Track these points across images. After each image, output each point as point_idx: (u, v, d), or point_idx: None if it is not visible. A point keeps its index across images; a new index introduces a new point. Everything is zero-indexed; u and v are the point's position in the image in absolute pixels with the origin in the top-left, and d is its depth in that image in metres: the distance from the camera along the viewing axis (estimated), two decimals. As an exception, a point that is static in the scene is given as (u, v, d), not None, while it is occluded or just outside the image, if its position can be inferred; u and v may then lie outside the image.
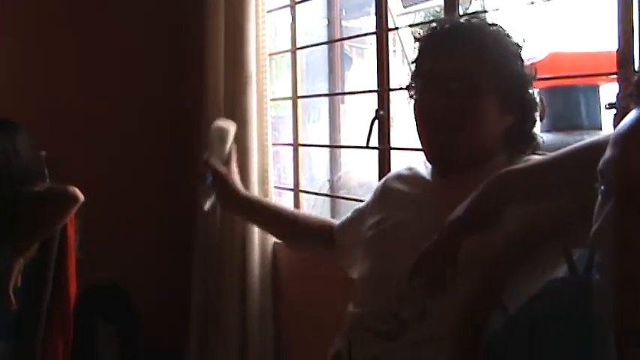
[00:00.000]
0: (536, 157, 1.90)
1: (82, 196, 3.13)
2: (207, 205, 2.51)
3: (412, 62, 2.07)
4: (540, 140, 2.03)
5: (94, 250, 3.51)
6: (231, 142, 2.56)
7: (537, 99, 2.00)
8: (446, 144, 1.96)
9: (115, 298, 4.27)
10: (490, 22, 2.05)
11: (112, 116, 4.46)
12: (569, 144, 1.67)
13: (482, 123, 1.94)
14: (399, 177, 2.18)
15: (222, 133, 2.55)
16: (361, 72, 4.78)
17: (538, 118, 2.02)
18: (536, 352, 1.31)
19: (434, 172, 2.07)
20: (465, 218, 1.67)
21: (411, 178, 2.14)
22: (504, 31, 1.98)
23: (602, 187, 1.11)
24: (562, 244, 1.65)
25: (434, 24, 2.08)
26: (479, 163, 1.94)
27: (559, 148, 1.71)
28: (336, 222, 2.46)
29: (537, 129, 2.05)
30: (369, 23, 3.46)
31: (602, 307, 1.10)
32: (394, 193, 2.14)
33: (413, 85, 2.05)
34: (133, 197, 4.47)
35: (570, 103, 3.71)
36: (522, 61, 1.97)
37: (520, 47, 1.97)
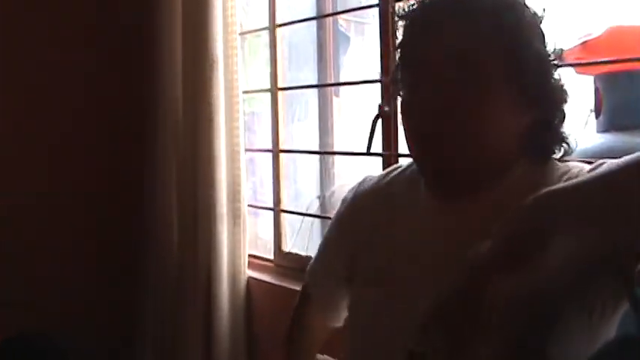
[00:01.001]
0: (577, 165, 1.80)
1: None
2: None
3: (397, 49, 1.94)
4: (573, 143, 1.88)
5: (13, 292, 3.43)
6: None
7: (566, 88, 1.84)
8: (447, 156, 1.80)
9: (43, 347, 4.16)
10: None
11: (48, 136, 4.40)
12: (636, 147, 1.57)
13: (494, 121, 1.79)
14: (379, 188, 2.07)
15: None
16: (361, 55, 4.65)
17: (566, 112, 1.86)
18: None
19: (429, 190, 1.93)
20: (494, 255, 1.56)
21: (399, 190, 2.02)
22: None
23: None
24: (622, 280, 1.57)
25: None
26: (491, 178, 1.83)
27: (620, 153, 1.58)
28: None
29: (567, 127, 1.89)
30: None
31: None
32: (380, 209, 2.02)
33: (400, 77, 1.91)
34: (58, 217, 4.41)
35: (636, 93, 3.60)
36: (544, 38, 1.82)
37: (541, 19, 1.83)
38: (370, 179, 2.11)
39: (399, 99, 1.89)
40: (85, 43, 4.48)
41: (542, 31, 1.81)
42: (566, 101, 1.83)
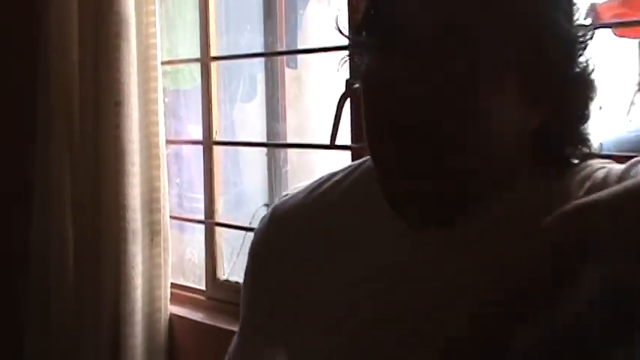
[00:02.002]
0: (602, 165, 1.67)
1: None
2: None
3: (363, 14, 1.68)
4: (597, 145, 1.74)
5: None
6: None
7: (592, 73, 1.66)
8: (422, 165, 1.59)
9: None
10: None
11: None
12: None
13: (493, 123, 1.61)
14: (304, 220, 1.87)
15: None
16: (326, 14, 4.49)
17: (591, 110, 1.69)
18: None
19: (398, 214, 1.70)
20: (515, 294, 1.46)
21: (335, 219, 1.83)
22: None
23: None
24: None
25: None
26: (490, 196, 1.65)
27: None
28: None
29: (591, 126, 1.74)
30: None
31: None
32: (314, 258, 1.83)
33: (363, 45, 1.68)
34: None
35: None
36: (571, 8, 1.64)
37: None
38: (291, 202, 1.90)
39: (361, 75, 1.62)
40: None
41: (570, 2, 1.64)
42: (591, 97, 1.66)
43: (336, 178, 1.83)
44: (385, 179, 1.65)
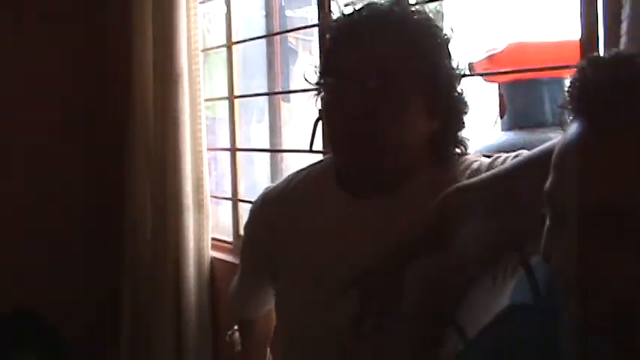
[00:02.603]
0: (476, 159, 1.83)
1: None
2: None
3: (324, 54, 1.91)
4: (467, 143, 1.90)
5: (7, 273, 3.44)
6: None
7: (467, 100, 1.86)
8: (368, 156, 1.79)
9: (34, 324, 4.20)
10: (414, 9, 1.87)
11: (29, 125, 4.40)
12: (532, 143, 1.64)
13: (406, 130, 1.79)
14: (284, 199, 2.02)
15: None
16: (307, 66, 4.73)
17: (465, 121, 1.88)
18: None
19: (341, 188, 1.91)
20: (414, 240, 1.61)
21: (304, 196, 1.98)
22: (430, 19, 1.85)
23: (551, 212, 1.12)
24: (520, 256, 1.58)
25: (349, 11, 1.89)
26: (404, 177, 1.83)
27: (521, 147, 1.69)
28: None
29: (466, 132, 1.91)
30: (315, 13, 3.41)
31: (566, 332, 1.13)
32: (290, 223, 1.97)
33: (322, 82, 1.89)
34: (51, 210, 4.42)
35: (533, 98, 3.67)
36: (451, 55, 1.85)
37: (448, 40, 1.84)
38: (272, 189, 2.07)
39: (322, 101, 1.87)
40: (66, 56, 4.49)
41: (449, 51, 1.82)
42: (466, 112, 1.85)
43: (304, 171, 2.01)
44: (340, 166, 1.87)
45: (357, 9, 1.86)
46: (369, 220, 1.73)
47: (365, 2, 1.86)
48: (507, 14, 3.67)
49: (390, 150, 1.79)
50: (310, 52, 4.64)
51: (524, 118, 3.54)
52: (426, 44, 1.79)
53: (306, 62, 4.57)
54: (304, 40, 4.78)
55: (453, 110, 1.85)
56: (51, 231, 4.38)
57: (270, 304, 2.25)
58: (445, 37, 1.83)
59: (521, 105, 3.56)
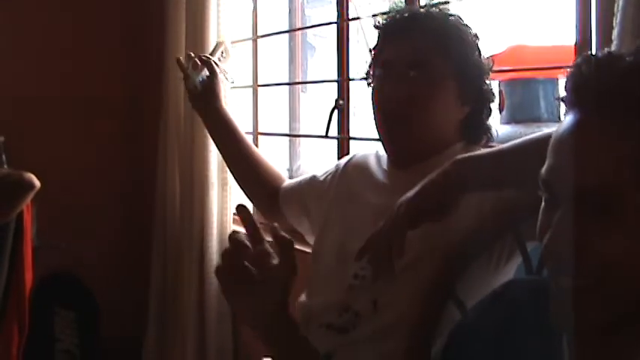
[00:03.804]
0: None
1: (38, 183, 3.08)
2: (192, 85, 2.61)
3: (371, 50, 2.06)
4: (495, 132, 2.02)
5: (50, 238, 3.46)
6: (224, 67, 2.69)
7: (494, 90, 2.00)
8: (404, 134, 1.95)
9: (73, 286, 4.25)
10: (449, 13, 2.04)
11: (71, 105, 4.42)
12: (527, 136, 1.64)
13: (440, 112, 1.94)
14: (366, 159, 2.17)
15: (227, 52, 2.76)
16: (323, 61, 4.75)
17: (495, 109, 2.02)
18: (499, 353, 1.29)
19: (390, 162, 2.06)
20: (415, 203, 1.63)
21: (377, 163, 2.13)
22: (463, 21, 1.98)
23: (546, 195, 1.13)
24: (516, 237, 1.64)
25: (393, 13, 2.08)
26: (435, 153, 1.93)
27: (517, 139, 1.68)
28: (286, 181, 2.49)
29: (494, 120, 2.06)
30: (333, 12, 3.43)
31: (558, 309, 1.13)
32: (361, 174, 2.13)
33: (371, 73, 2.04)
34: (91, 185, 4.45)
35: (529, 95, 3.73)
36: (480, 52, 1.96)
37: (478, 38, 1.97)
38: (358, 155, 2.23)
39: (371, 89, 2.01)
40: (102, 52, 4.53)
41: (479, 48, 1.95)
42: (493, 101, 1.98)
43: (374, 153, 2.18)
44: (384, 142, 2.00)
45: (399, 10, 2.07)
46: (401, 186, 1.76)
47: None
48: (508, 19, 3.70)
49: (423, 129, 1.93)
50: (327, 48, 4.68)
51: (521, 113, 3.61)
52: (457, 40, 1.93)
53: (323, 57, 4.61)
54: (321, 37, 4.83)
55: (482, 98, 1.97)
56: (91, 205, 4.42)
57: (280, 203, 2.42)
58: (475, 35, 1.96)
59: (518, 101, 3.62)
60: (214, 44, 2.79)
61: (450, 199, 1.61)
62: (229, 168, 2.83)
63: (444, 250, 1.71)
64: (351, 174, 2.17)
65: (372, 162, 2.14)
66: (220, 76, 2.66)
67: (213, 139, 2.79)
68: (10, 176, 3.16)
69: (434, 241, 1.72)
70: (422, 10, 2.10)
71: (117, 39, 4.55)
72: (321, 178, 2.29)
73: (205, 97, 2.59)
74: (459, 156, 1.66)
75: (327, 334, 1.92)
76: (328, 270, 2.02)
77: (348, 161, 2.24)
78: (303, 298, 2.08)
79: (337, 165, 2.27)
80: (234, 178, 2.81)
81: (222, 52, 2.69)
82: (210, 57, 2.68)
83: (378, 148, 2.19)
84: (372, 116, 2.02)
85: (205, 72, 2.62)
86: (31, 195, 3.12)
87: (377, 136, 2.09)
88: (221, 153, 2.82)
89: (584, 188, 1.05)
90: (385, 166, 2.08)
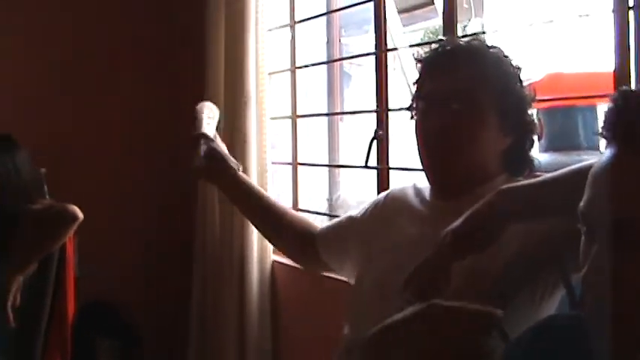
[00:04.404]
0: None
1: (81, 215, 3.12)
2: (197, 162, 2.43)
3: (413, 83, 2.07)
4: (537, 162, 2.02)
5: (90, 267, 3.48)
6: (217, 122, 2.56)
7: (536, 120, 2.00)
8: (447, 166, 1.95)
9: (114, 315, 4.26)
10: (490, 44, 2.04)
11: (111, 137, 4.49)
12: (567, 164, 1.66)
13: (482, 143, 1.94)
14: (405, 192, 2.17)
15: (212, 111, 2.55)
16: (360, 89, 4.76)
17: (536, 139, 2.02)
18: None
19: (433, 193, 2.05)
20: (461, 233, 1.65)
21: (416, 195, 2.12)
22: (504, 52, 1.99)
23: (585, 228, 1.15)
24: (560, 269, 1.64)
25: (434, 45, 2.10)
26: (478, 184, 1.92)
27: (557, 168, 1.70)
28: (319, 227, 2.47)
29: (535, 150, 2.06)
30: (369, 41, 3.43)
31: (597, 344, 1.14)
32: (401, 206, 2.12)
33: (414, 106, 2.04)
34: (131, 213, 4.48)
35: (568, 123, 3.70)
36: (522, 82, 1.97)
37: (519, 69, 1.97)
38: (395, 189, 2.24)
39: (414, 121, 2.02)
40: (148, 76, 4.57)
41: (520, 78, 1.96)
42: (535, 131, 1.98)
43: (412, 185, 2.17)
44: (427, 174, 2.00)
45: (441, 44, 2.05)
46: (444, 218, 1.77)
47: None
48: (545, 46, 3.69)
49: (466, 161, 1.92)
50: (362, 76, 4.70)
51: (560, 141, 3.57)
52: (498, 71, 1.94)
53: (359, 85, 4.62)
54: (357, 65, 4.84)
55: (524, 129, 1.97)
56: (132, 234, 4.46)
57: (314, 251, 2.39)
58: (516, 66, 1.97)
59: (557, 129, 3.59)
60: (199, 105, 2.59)
61: (495, 228, 1.62)
62: (258, 229, 2.79)
63: (487, 281, 1.71)
64: (390, 207, 2.17)
65: (411, 194, 2.14)
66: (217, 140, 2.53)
67: (236, 205, 2.72)
68: (54, 208, 3.20)
69: (477, 273, 1.71)
70: (462, 42, 2.10)
71: (156, 70, 4.59)
72: (359, 217, 2.29)
73: (214, 167, 2.49)
74: (504, 186, 1.68)
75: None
76: (371, 302, 2.00)
77: (386, 196, 2.25)
78: (346, 329, 2.07)
79: (375, 201, 2.28)
80: (266, 237, 2.81)
81: (208, 115, 2.51)
82: (199, 116, 2.51)
83: (416, 179, 2.20)
84: (416, 148, 2.04)
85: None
86: (75, 227, 3.16)
87: (417, 166, 2.10)
88: (245, 215, 2.78)
89: (620, 222, 1.07)
90: (427, 198, 2.08)
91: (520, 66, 1.99)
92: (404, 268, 1.74)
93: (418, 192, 2.13)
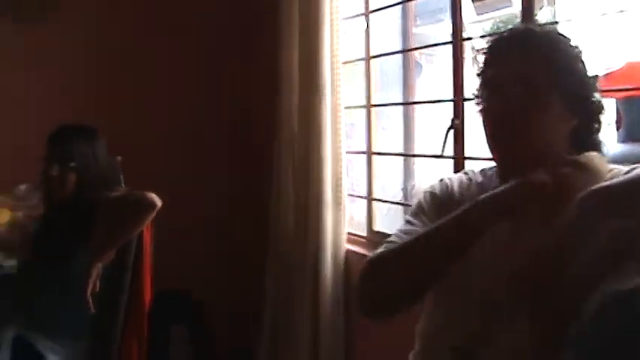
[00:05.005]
0: (616, 167, 1.82)
1: (159, 202, 3.16)
2: None
3: (478, 71, 2.06)
4: (605, 148, 1.97)
5: (165, 256, 3.52)
6: None
7: (602, 103, 1.95)
8: (514, 149, 1.92)
9: (188, 303, 4.31)
10: (550, 29, 2.03)
11: (186, 125, 4.57)
12: None
13: (548, 124, 1.90)
14: (461, 184, 2.13)
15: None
16: (431, 79, 4.74)
17: (605, 123, 1.97)
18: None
19: (500, 178, 2.01)
20: (557, 240, 1.61)
21: (479, 184, 2.09)
22: (564, 36, 1.96)
23: None
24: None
25: (495, 35, 2.07)
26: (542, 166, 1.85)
27: (636, 159, 1.71)
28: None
29: (604, 135, 2.00)
30: (440, 30, 3.40)
31: None
32: (462, 199, 2.05)
33: (480, 92, 2.03)
34: (206, 203, 4.56)
35: (648, 113, 3.64)
36: (584, 64, 1.93)
37: (580, 51, 1.94)
38: (446, 180, 2.15)
39: (480, 108, 1.99)
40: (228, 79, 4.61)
41: (583, 62, 1.91)
42: (602, 114, 1.93)
43: (467, 175, 2.14)
44: (496, 159, 1.99)
45: (502, 32, 2.03)
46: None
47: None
48: (624, 35, 3.63)
49: (533, 142, 1.89)
50: (432, 65, 4.71)
51: (638, 132, 3.50)
52: (560, 56, 1.90)
53: (429, 75, 4.59)
54: (427, 55, 4.82)
55: (590, 110, 1.93)
56: (206, 223, 4.55)
57: None
58: (577, 49, 1.93)
59: (636, 119, 3.53)
60: None
61: (585, 234, 1.55)
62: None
63: (575, 277, 1.60)
64: (460, 199, 2.07)
65: (474, 186, 2.09)
66: None
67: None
68: (132, 196, 3.25)
69: (568, 269, 1.62)
70: (521, 27, 2.09)
71: (229, 62, 4.66)
72: (417, 215, 2.14)
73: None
74: (592, 188, 1.60)
75: (450, 356, 1.88)
76: (452, 292, 1.95)
77: (445, 184, 2.15)
78: (420, 324, 2.06)
79: (427, 196, 2.16)
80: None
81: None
82: None
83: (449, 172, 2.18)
84: (484, 135, 2.00)
85: None
86: (153, 214, 3.21)
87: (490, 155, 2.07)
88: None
89: None
90: (495, 184, 2.00)
91: (581, 49, 1.93)
92: (484, 265, 1.78)
93: (489, 178, 2.09)
